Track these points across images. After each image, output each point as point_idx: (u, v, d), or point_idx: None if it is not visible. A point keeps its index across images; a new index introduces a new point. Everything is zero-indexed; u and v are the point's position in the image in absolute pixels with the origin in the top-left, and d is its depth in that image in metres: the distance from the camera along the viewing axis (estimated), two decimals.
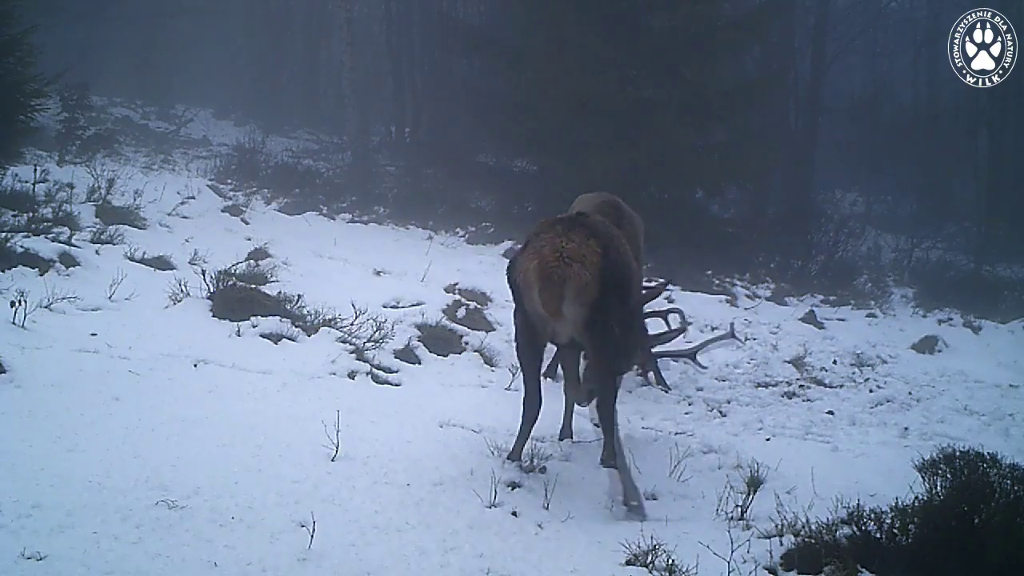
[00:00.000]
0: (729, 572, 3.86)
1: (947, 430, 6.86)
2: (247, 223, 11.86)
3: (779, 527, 4.33)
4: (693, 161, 13.65)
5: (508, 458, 5.05)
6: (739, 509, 4.64)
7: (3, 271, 7.01)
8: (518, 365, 5.34)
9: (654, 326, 7.62)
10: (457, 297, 8.94)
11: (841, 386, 8.16)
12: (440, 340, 7.55)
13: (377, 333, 7.15)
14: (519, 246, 5.14)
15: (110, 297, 6.97)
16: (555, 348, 5.75)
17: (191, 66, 24.65)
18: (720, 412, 7.05)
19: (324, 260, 10.44)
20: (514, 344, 5.27)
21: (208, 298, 7.23)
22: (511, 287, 5.05)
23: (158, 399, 5.23)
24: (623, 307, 5.12)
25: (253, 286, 7.73)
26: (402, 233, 13.81)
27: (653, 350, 7.42)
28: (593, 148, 12.86)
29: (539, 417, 5.19)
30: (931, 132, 20.82)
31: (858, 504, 4.09)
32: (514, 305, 5.13)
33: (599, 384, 5.07)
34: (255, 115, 23.11)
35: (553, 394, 6.92)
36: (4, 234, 7.62)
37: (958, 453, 4.27)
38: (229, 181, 14.92)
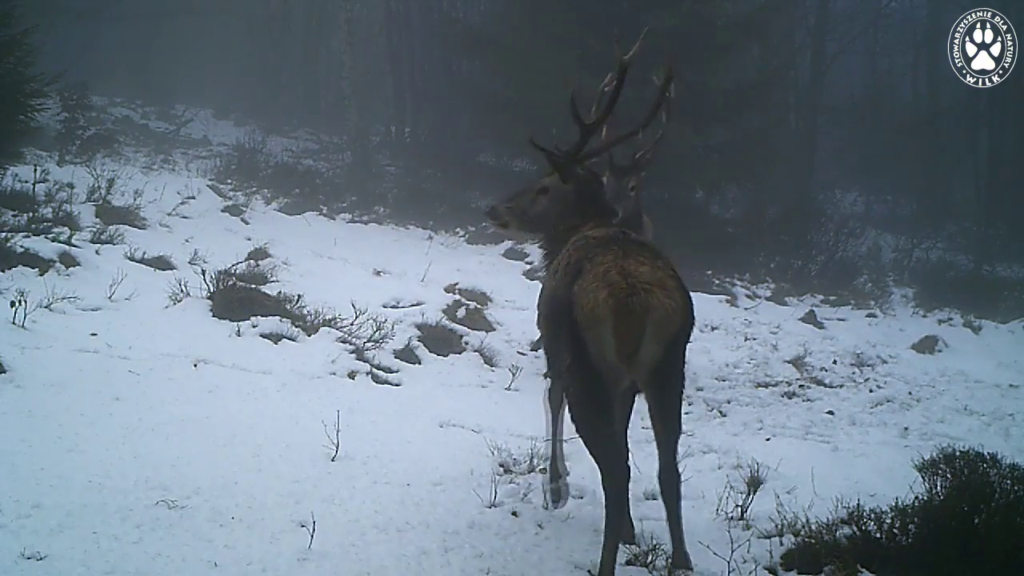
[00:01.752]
0: (729, 572, 3.86)
1: (947, 430, 6.86)
2: (247, 223, 11.87)
3: (779, 527, 4.33)
4: (693, 161, 13.65)
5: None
6: (739, 509, 4.64)
7: (3, 271, 7.01)
8: (582, 435, 3.90)
9: None
10: (457, 297, 8.95)
11: (841, 386, 8.17)
12: (440, 340, 7.55)
13: (377, 333, 7.15)
14: (552, 272, 4.07)
15: (110, 297, 6.97)
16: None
17: (191, 66, 24.68)
18: (720, 412, 7.05)
19: (324, 260, 10.45)
20: (568, 408, 3.99)
21: (208, 298, 7.23)
22: (555, 327, 3.84)
23: (158, 399, 5.23)
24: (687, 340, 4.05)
25: (253, 286, 7.73)
26: (402, 233, 13.83)
27: None
28: None
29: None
30: (931, 132, 20.84)
31: (858, 504, 4.09)
32: (561, 353, 3.79)
33: (673, 438, 3.98)
34: (255, 115, 23.14)
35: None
36: (4, 234, 7.62)
37: (958, 453, 4.27)
38: (229, 181, 14.93)
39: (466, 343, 7.67)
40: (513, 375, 7.01)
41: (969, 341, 10.85)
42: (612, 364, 3.65)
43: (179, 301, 7.17)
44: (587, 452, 3.92)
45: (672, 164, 12.91)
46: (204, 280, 7.38)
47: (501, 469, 5.07)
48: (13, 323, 5.84)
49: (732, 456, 5.65)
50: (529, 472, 5.08)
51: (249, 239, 10.52)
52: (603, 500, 4.66)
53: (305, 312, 7.33)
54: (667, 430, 3.94)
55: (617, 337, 3.61)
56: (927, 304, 13.44)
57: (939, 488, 4.09)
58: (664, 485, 4.01)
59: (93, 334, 6.15)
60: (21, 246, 7.48)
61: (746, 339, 9.59)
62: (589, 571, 3.95)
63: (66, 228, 8.64)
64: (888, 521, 3.94)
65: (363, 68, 19.77)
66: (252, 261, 9.11)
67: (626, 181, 6.89)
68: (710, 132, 14.95)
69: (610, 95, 4.69)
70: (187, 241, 9.70)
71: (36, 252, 7.48)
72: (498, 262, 12.02)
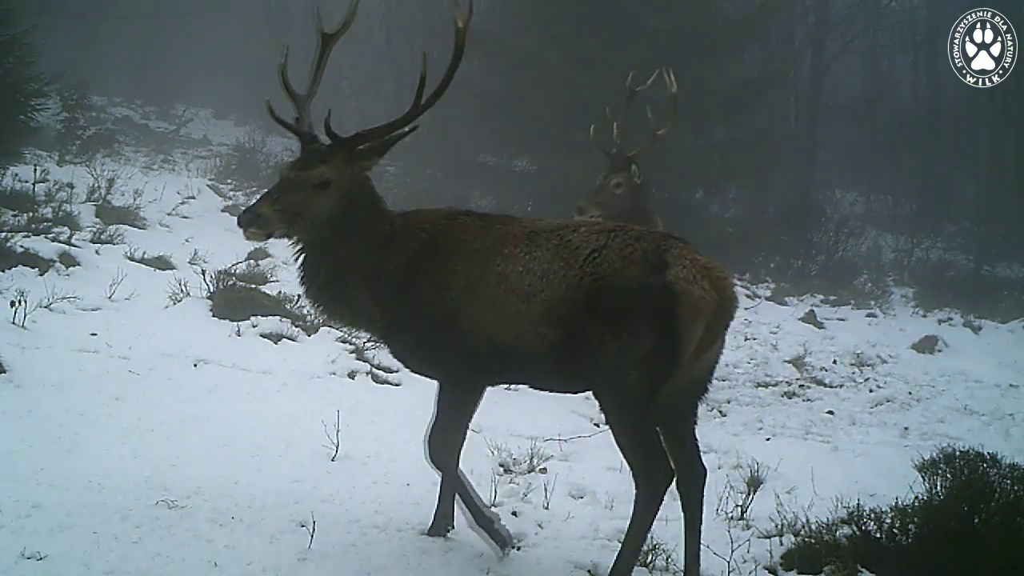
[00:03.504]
0: (729, 572, 3.86)
1: (947, 430, 6.87)
2: None
3: (779, 527, 4.34)
4: (693, 161, 13.65)
5: None
6: (739, 509, 4.64)
7: (3, 271, 7.01)
8: (639, 436, 3.55)
9: None
10: None
11: (841, 386, 8.17)
12: None
13: None
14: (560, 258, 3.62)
15: (110, 297, 6.97)
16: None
17: (191, 66, 24.64)
18: (720, 412, 7.05)
19: None
20: (628, 413, 3.53)
21: (208, 298, 7.23)
22: (622, 319, 3.46)
23: (158, 399, 5.23)
24: None
25: (253, 286, 7.74)
26: None
27: None
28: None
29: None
30: (931, 132, 20.84)
31: (858, 504, 4.09)
32: (631, 349, 3.44)
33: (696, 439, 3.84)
34: (255, 115, 23.08)
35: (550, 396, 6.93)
36: (4, 234, 7.62)
37: (958, 453, 4.27)
38: (229, 181, 14.92)
39: None
40: None
41: (969, 341, 10.86)
42: (688, 359, 3.49)
43: (179, 301, 7.17)
44: (627, 454, 3.57)
45: (672, 164, 12.92)
46: (204, 280, 7.38)
47: (501, 469, 5.07)
48: (13, 323, 5.84)
49: (732, 456, 5.66)
50: (529, 472, 5.09)
51: None
52: (606, 500, 4.68)
53: (305, 312, 7.32)
54: (694, 431, 3.79)
55: (708, 330, 3.48)
56: (927, 304, 13.43)
57: (939, 488, 4.09)
58: (691, 489, 3.70)
59: (93, 334, 6.15)
60: (21, 246, 7.48)
61: (746, 339, 9.60)
62: (589, 571, 3.95)
63: (66, 228, 8.64)
64: (888, 521, 3.94)
65: (363, 68, 19.78)
66: (252, 261, 9.10)
67: (610, 179, 6.92)
68: (710, 132, 14.95)
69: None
70: (187, 241, 9.70)
71: (36, 252, 7.48)
72: None
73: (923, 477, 4.27)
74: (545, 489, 4.70)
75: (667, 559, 3.96)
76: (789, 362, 8.75)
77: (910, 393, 8.01)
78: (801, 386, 8.03)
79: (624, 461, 3.66)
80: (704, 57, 13.89)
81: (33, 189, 9.45)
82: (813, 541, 4.04)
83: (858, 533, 3.97)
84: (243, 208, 3.82)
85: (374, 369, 6.68)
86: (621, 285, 3.48)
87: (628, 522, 3.63)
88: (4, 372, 5.12)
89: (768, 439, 6.39)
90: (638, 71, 7.60)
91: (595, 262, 3.55)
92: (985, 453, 4.24)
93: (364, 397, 6.06)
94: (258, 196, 3.77)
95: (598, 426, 6.34)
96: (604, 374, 3.53)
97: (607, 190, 6.92)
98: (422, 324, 3.80)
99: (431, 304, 3.76)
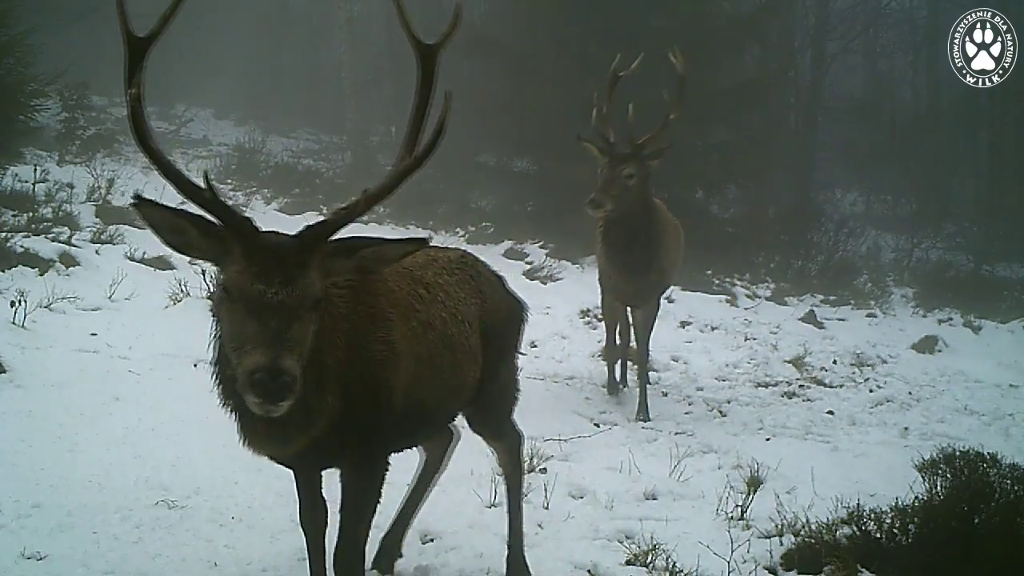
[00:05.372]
0: (729, 572, 3.86)
1: (947, 430, 6.87)
2: None
3: (779, 527, 4.34)
4: (693, 161, 13.65)
5: None
6: (739, 509, 4.64)
7: (3, 271, 7.01)
8: (510, 420, 4.06)
9: None
10: None
11: (841, 386, 8.16)
12: None
13: None
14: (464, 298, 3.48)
15: (110, 297, 6.97)
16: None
17: (191, 66, 24.65)
18: (720, 412, 7.05)
19: None
20: (509, 407, 4.00)
21: (208, 298, 7.23)
22: (509, 340, 3.79)
23: (158, 399, 5.23)
24: None
25: None
26: (402, 233, 13.82)
27: None
28: None
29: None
30: (931, 132, 20.84)
31: (858, 504, 4.09)
32: (512, 361, 3.93)
33: None
34: (255, 115, 23.10)
35: (553, 393, 6.94)
36: (4, 234, 7.62)
37: (958, 453, 4.27)
38: (229, 181, 14.90)
39: None
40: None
41: (969, 341, 10.85)
42: None
43: (179, 301, 7.17)
44: (501, 435, 3.96)
45: (672, 164, 12.90)
46: (204, 280, 7.37)
47: (501, 469, 5.06)
48: (13, 323, 5.85)
49: (732, 456, 5.66)
50: (529, 472, 5.07)
51: None
52: (606, 500, 4.66)
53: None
54: None
55: None
56: (927, 304, 13.42)
57: (939, 488, 4.09)
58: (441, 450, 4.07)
59: (93, 334, 6.15)
60: (21, 246, 7.48)
61: (746, 339, 9.59)
62: (589, 571, 3.96)
63: (66, 228, 8.63)
64: (888, 521, 3.94)
65: (363, 68, 19.78)
66: None
67: (621, 169, 6.43)
68: (710, 132, 14.95)
69: None
70: None
71: (36, 252, 7.48)
72: (498, 262, 12.01)
73: (923, 477, 4.26)
74: (545, 489, 4.71)
75: (667, 559, 3.96)
76: (789, 362, 8.74)
77: (910, 393, 8.01)
78: (801, 386, 8.02)
79: (505, 450, 4.01)
80: (704, 57, 13.88)
81: (33, 189, 9.44)
82: (813, 541, 4.04)
83: (858, 533, 3.97)
84: (260, 369, 2.39)
85: None
86: (504, 310, 3.67)
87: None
88: (4, 372, 5.13)
89: (768, 439, 6.39)
90: (626, 56, 7.38)
91: (482, 294, 3.54)
92: (985, 453, 4.24)
93: None
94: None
95: (598, 426, 6.35)
96: (496, 391, 3.73)
97: (619, 181, 6.35)
98: (376, 398, 2.95)
99: (384, 367, 2.94)
